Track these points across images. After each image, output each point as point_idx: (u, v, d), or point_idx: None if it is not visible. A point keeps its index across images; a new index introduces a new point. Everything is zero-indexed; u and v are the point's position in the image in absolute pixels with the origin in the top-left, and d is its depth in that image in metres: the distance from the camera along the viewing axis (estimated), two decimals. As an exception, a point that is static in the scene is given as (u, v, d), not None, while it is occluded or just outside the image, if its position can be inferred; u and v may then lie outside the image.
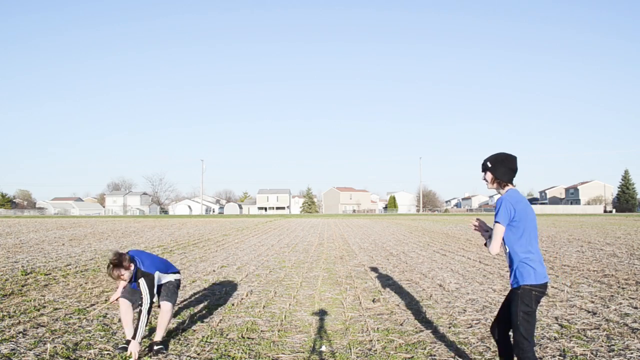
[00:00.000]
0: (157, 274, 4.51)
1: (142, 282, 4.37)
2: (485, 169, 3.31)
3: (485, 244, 3.30)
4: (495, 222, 3.11)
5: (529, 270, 3.07)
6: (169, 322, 4.63)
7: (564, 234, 21.33)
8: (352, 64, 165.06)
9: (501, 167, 3.23)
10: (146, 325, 4.39)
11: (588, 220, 39.15)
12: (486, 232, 3.36)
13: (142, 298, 4.38)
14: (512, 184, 3.25)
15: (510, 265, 3.17)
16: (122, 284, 4.74)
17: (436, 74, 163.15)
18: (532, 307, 3.06)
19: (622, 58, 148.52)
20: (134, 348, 4.26)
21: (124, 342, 4.58)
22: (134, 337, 4.31)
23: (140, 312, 4.36)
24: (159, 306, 4.64)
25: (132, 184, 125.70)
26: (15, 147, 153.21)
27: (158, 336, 4.54)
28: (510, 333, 3.26)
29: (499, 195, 3.30)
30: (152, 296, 4.41)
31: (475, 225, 3.40)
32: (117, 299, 4.74)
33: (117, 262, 4.25)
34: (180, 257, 12.60)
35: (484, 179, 3.33)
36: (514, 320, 3.10)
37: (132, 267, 4.35)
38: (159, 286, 4.61)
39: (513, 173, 3.23)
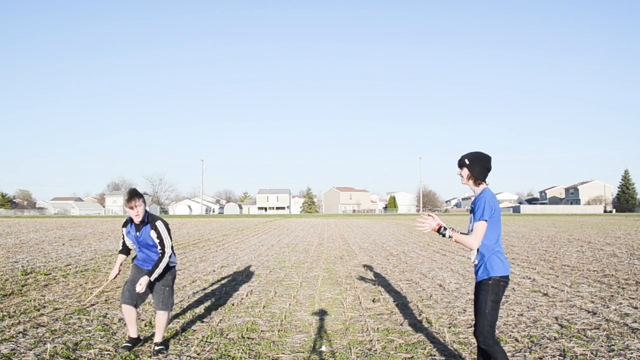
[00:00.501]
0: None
1: (159, 224, 4.35)
2: (462, 165, 3.44)
3: (443, 234, 3.34)
4: (482, 219, 3.23)
5: (499, 262, 3.25)
6: (167, 323, 4.60)
7: (564, 234, 21.33)
8: (352, 64, 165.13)
9: (478, 166, 3.37)
10: (163, 267, 4.34)
11: (588, 220, 39.15)
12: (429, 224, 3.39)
13: (162, 244, 4.33)
14: (485, 182, 3.40)
15: (481, 259, 3.30)
16: (121, 258, 4.65)
17: (436, 74, 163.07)
18: (500, 297, 3.24)
19: (622, 58, 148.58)
20: (144, 280, 4.24)
21: (126, 340, 4.56)
22: (149, 275, 4.27)
23: (162, 256, 4.32)
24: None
25: (132, 184, 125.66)
26: (15, 147, 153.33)
27: (158, 337, 4.50)
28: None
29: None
30: (170, 240, 4.39)
31: (431, 216, 3.42)
32: (116, 276, 4.66)
33: (135, 192, 4.28)
34: (180, 257, 12.60)
35: (460, 174, 3.47)
36: (482, 308, 3.22)
37: (147, 206, 4.36)
38: (153, 283, 4.42)
39: (487, 172, 3.40)
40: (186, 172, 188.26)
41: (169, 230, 4.42)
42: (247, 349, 4.57)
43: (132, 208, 4.27)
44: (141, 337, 4.72)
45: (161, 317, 4.49)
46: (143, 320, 5.55)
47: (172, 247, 4.40)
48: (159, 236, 4.34)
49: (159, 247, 4.37)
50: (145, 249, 4.47)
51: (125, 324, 5.15)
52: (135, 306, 4.50)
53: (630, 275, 8.81)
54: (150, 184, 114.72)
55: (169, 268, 4.54)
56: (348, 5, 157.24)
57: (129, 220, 4.46)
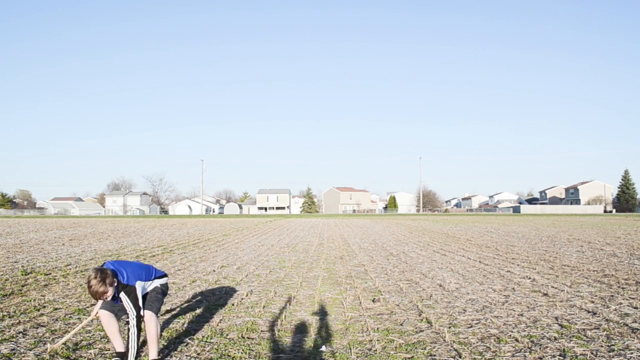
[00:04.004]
0: (138, 284, 4.09)
1: (123, 296, 3.98)
2: None
3: None
4: None
5: None
6: (157, 332, 4.13)
7: (564, 234, 21.32)
8: (352, 64, 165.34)
9: None
10: (138, 340, 4.07)
11: (588, 220, 39.14)
12: None
13: (127, 313, 4.01)
14: None
15: None
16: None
17: (436, 74, 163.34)
18: None
19: (622, 58, 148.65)
20: None
21: (114, 355, 4.28)
22: (126, 358, 3.99)
23: (128, 329, 4.03)
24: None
25: (132, 184, 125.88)
26: (15, 147, 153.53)
27: (153, 353, 4.11)
28: None
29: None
30: (137, 309, 4.01)
31: None
32: (97, 314, 4.23)
33: (101, 279, 3.80)
34: (180, 257, 12.60)
35: None
36: None
37: (115, 282, 3.93)
38: (144, 295, 4.23)
39: None
40: (186, 172, 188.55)
41: (134, 299, 4.04)
42: (247, 349, 4.57)
43: (100, 298, 3.87)
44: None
45: (147, 323, 4.12)
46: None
47: (137, 318, 4.02)
48: (124, 307, 4.05)
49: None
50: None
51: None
52: (116, 315, 4.19)
53: (630, 275, 8.80)
54: (150, 184, 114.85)
55: (159, 286, 4.41)
56: (348, 5, 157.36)
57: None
